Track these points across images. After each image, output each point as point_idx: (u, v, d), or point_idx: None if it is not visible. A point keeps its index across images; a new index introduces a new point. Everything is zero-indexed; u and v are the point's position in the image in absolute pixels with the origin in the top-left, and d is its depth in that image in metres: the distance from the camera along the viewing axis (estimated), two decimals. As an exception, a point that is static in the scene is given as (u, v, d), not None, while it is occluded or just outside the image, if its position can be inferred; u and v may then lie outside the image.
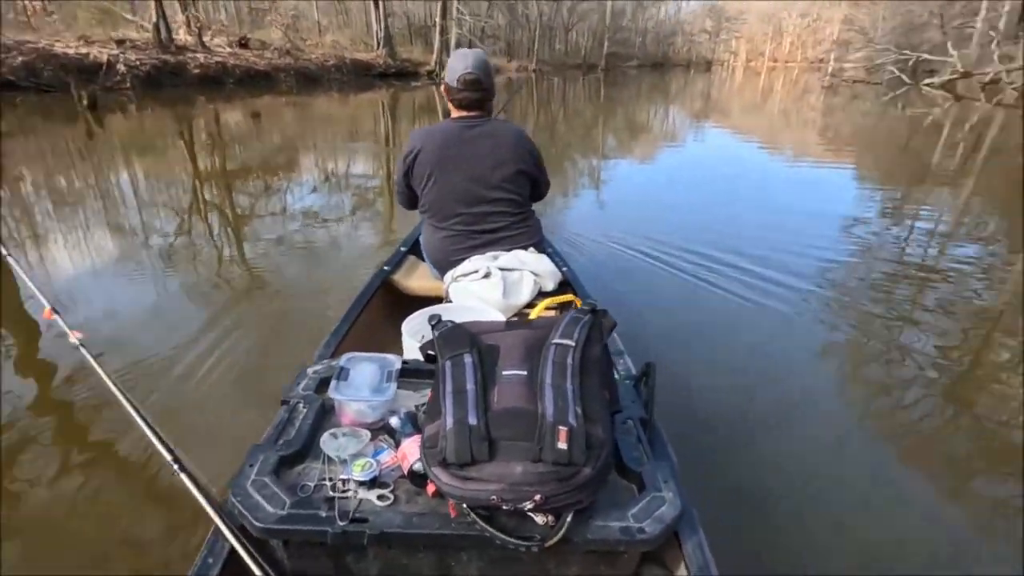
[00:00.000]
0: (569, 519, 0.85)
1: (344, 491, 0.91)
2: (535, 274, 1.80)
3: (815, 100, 18.71)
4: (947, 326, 2.74)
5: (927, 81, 20.44)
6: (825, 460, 1.82)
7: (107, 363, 1.26)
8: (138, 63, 13.61)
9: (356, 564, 0.92)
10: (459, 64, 1.77)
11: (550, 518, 0.86)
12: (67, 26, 15.42)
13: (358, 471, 0.92)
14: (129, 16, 17.33)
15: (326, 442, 0.99)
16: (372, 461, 0.94)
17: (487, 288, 1.71)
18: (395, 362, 1.15)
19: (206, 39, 17.25)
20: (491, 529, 0.84)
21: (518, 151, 1.86)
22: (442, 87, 1.87)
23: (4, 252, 1.54)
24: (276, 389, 1.17)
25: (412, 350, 1.36)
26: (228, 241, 3.77)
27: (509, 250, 1.86)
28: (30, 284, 1.38)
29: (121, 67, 12.93)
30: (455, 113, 1.86)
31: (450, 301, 1.78)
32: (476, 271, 1.76)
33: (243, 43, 18.26)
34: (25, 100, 10.50)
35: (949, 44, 21.16)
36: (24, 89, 11.18)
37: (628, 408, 1.15)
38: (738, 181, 6.09)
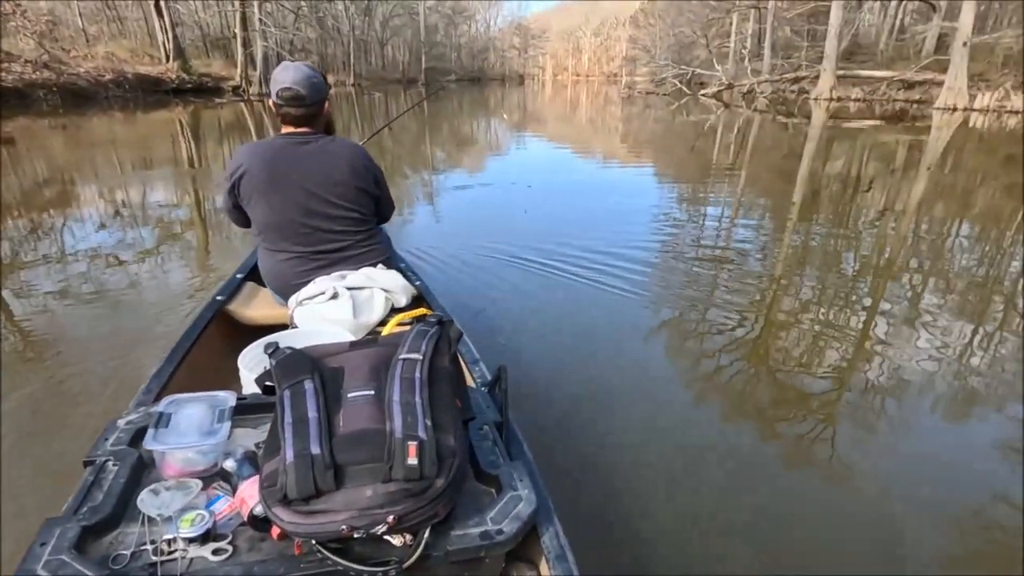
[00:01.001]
0: (427, 535, 0.82)
1: (170, 552, 0.81)
2: (386, 290, 1.75)
3: (616, 109, 20.96)
4: (743, 292, 3.21)
5: (703, 92, 24.29)
6: (662, 428, 2.00)
7: None
8: None
9: None
10: (280, 77, 1.68)
11: (408, 537, 0.83)
12: None
13: (187, 527, 0.83)
14: None
15: (145, 500, 0.87)
16: (204, 513, 0.86)
17: (336, 309, 1.63)
18: (228, 399, 1.06)
19: (-80, 49, 13.76)
20: (343, 561, 0.79)
21: (355, 168, 1.79)
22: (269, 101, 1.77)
23: None
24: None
25: (251, 384, 1.26)
26: None
27: (357, 268, 1.80)
28: None
29: None
30: (284, 129, 1.76)
31: (296, 327, 1.66)
32: (323, 292, 1.68)
33: (-23, 54, 14.91)
34: None
35: (714, 60, 25.39)
36: None
37: (484, 414, 1.14)
38: (560, 185, 6.61)
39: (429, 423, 0.84)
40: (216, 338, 1.76)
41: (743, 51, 24.83)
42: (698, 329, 2.81)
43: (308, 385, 0.88)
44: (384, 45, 44.18)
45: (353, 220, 1.81)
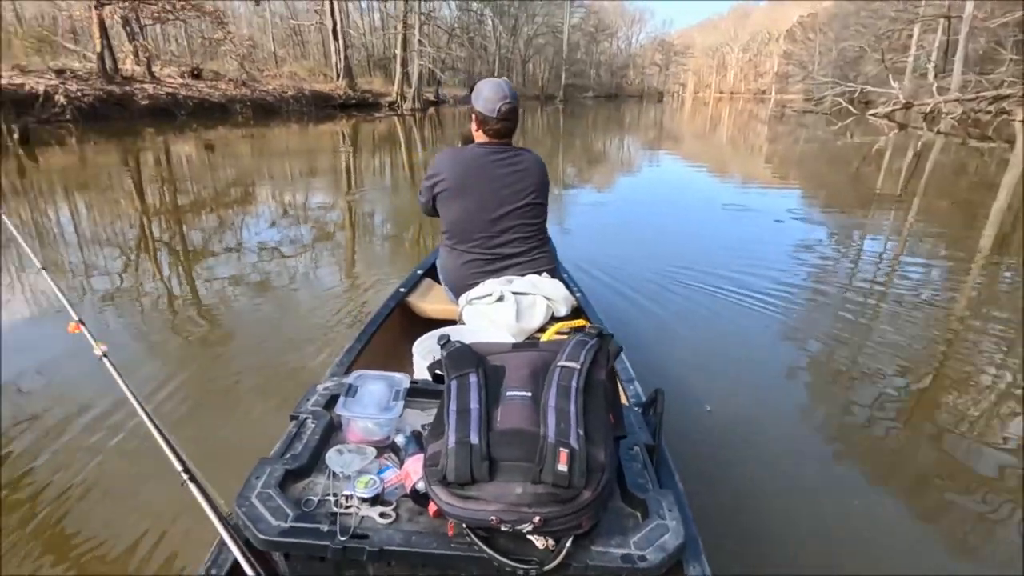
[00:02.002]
0: (569, 543, 0.84)
1: (347, 507, 0.93)
2: (548, 298, 1.81)
3: (764, 129, 19.50)
4: (908, 338, 2.80)
5: (872, 111, 21.69)
6: (824, 485, 1.81)
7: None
8: (80, 94, 13.06)
9: None
10: (496, 94, 1.81)
11: (550, 542, 0.85)
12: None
13: (361, 488, 0.94)
14: (71, 46, 16.76)
15: (331, 458, 1.01)
16: (376, 478, 0.96)
17: (500, 311, 1.73)
18: (403, 381, 1.16)
19: (156, 69, 16.80)
20: (489, 550, 0.83)
21: (541, 181, 1.93)
22: (469, 115, 1.90)
23: (39, 265, 1.64)
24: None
25: (422, 370, 1.39)
26: (180, 281, 3.46)
27: (524, 275, 1.89)
28: (61, 296, 1.45)
29: (60, 98, 12.38)
30: (481, 139, 1.91)
31: (463, 323, 1.81)
32: (490, 294, 1.79)
33: (196, 74, 17.86)
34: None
35: (890, 77, 22.63)
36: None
37: (635, 434, 1.13)
38: (694, 205, 6.29)
39: (581, 433, 0.85)
40: (395, 324, 1.97)
41: (927, 66, 21.72)
42: (849, 372, 2.52)
43: (473, 378, 0.93)
44: (526, 63, 45.72)
45: (530, 228, 1.93)
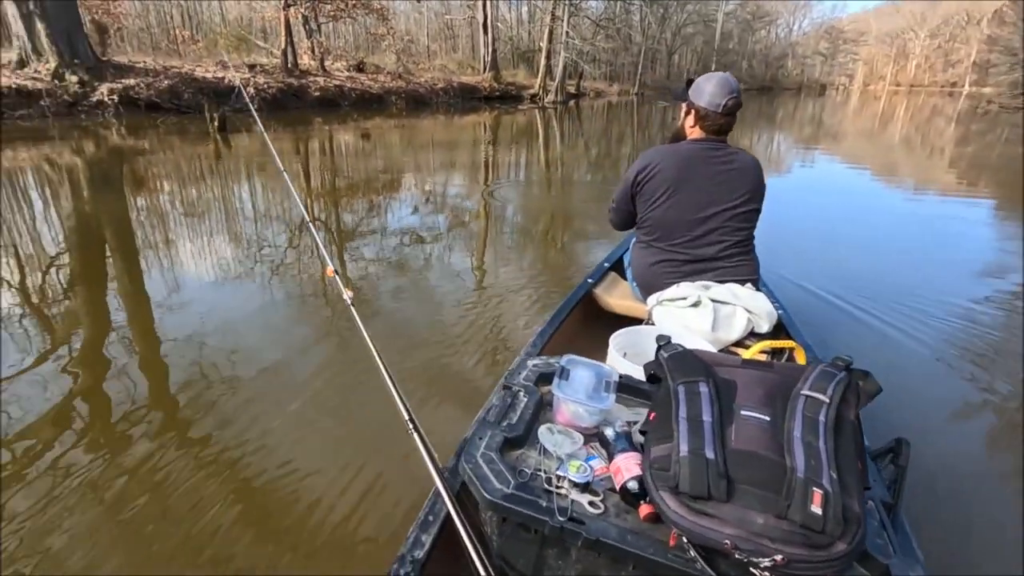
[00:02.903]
0: None
1: (559, 487, 0.92)
2: (749, 311, 1.68)
3: (952, 128, 16.59)
4: None
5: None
6: None
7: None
8: (265, 86, 14.64)
9: (557, 560, 0.92)
10: (721, 89, 1.73)
11: None
12: (208, 52, 17.02)
13: (574, 471, 0.93)
14: (261, 43, 18.90)
15: (543, 435, 1.02)
16: (586, 465, 0.96)
17: (695, 317, 1.63)
18: (613, 373, 1.14)
19: (327, 64, 18.39)
20: (712, 572, 0.78)
21: (756, 183, 1.82)
22: (688, 109, 1.82)
23: (307, 219, 2.00)
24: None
25: (617, 364, 1.38)
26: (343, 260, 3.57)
27: (723, 282, 1.78)
28: (321, 248, 1.68)
29: (251, 90, 13.95)
30: (696, 135, 1.82)
31: (652, 323, 1.74)
32: (685, 298, 1.70)
33: (359, 67, 19.31)
34: (166, 120, 11.48)
35: None
36: (167, 110, 12.27)
37: (872, 488, 1.02)
38: (873, 215, 5.44)
39: (835, 476, 0.77)
40: (581, 314, 1.99)
41: None
42: None
43: (703, 388, 0.89)
44: (672, 54, 43.56)
45: (736, 231, 1.81)
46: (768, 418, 0.84)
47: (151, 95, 12.19)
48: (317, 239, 1.74)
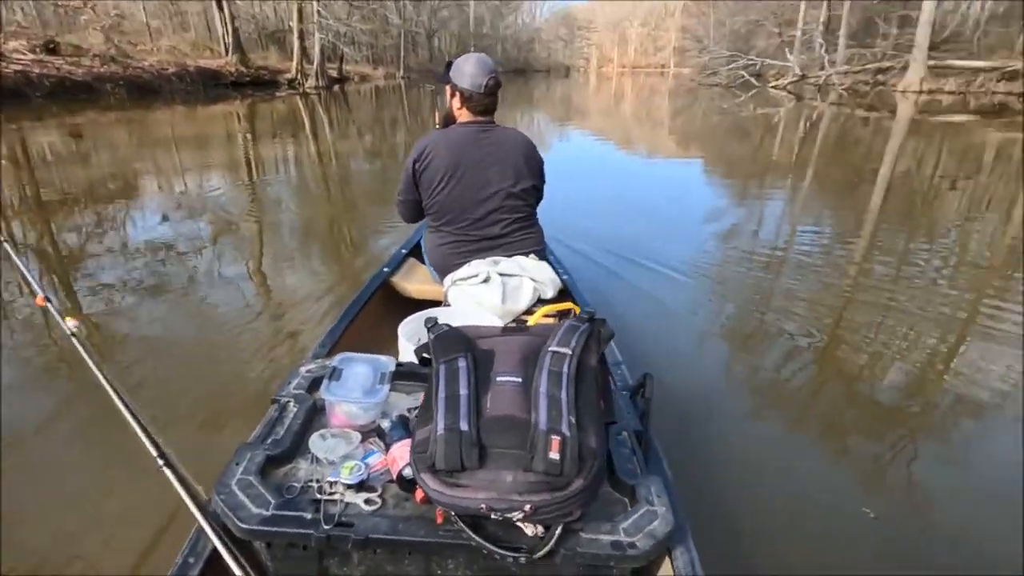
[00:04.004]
0: (558, 531, 0.84)
1: (331, 493, 0.90)
2: (535, 280, 1.78)
3: (671, 102, 20.08)
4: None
5: (773, 84, 22.86)
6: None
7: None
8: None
9: (340, 568, 0.90)
10: (479, 70, 1.76)
11: (539, 529, 0.85)
12: None
13: (346, 474, 0.91)
14: None
15: (315, 443, 0.98)
16: (361, 464, 0.94)
17: (486, 292, 1.69)
18: (389, 364, 1.13)
19: (-1, 43, 14.23)
20: (478, 538, 0.82)
21: (529, 157, 1.87)
22: (453, 92, 1.82)
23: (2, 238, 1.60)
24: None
25: (408, 352, 1.36)
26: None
27: (511, 256, 1.86)
28: (24, 271, 1.40)
29: None
30: (466, 117, 1.84)
31: (449, 304, 1.77)
32: (476, 275, 1.75)
33: (51, 48, 15.33)
34: None
35: (787, 50, 23.89)
36: None
37: (624, 420, 1.13)
38: (616, 180, 6.39)
39: (573, 420, 0.83)
40: (378, 305, 1.92)
41: (818, 40, 23.26)
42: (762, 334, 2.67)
43: (462, 363, 0.91)
44: (432, 37, 44.08)
45: (517, 208, 1.87)
46: (520, 379, 0.89)
47: None
48: (19, 264, 1.44)
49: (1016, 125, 11.12)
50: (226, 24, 20.36)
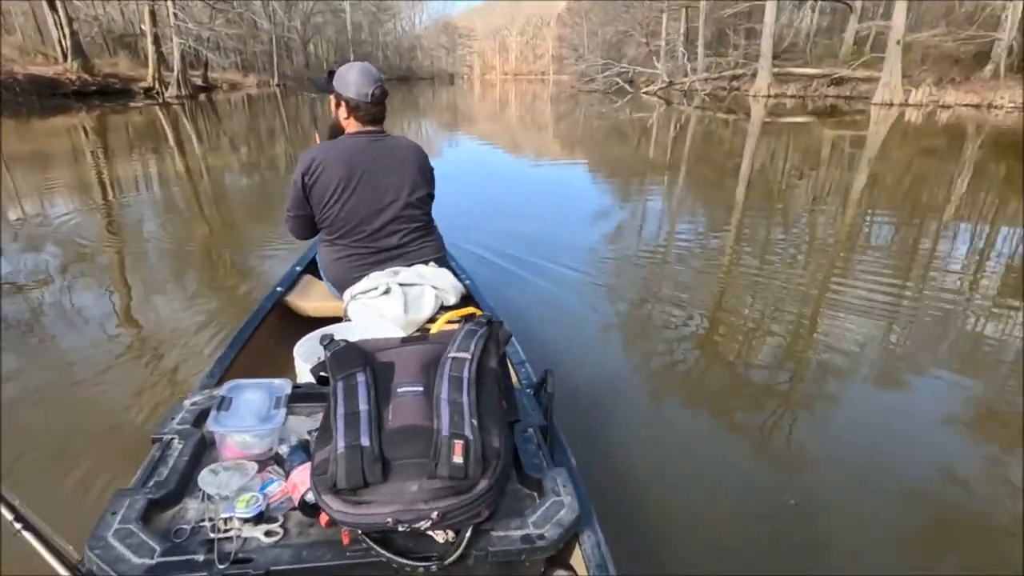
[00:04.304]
0: (468, 534, 0.84)
1: (226, 530, 0.86)
2: (436, 288, 1.77)
3: (554, 108, 20.89)
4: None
5: (645, 90, 24.53)
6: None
7: None
8: None
9: None
10: (365, 79, 1.74)
11: (450, 535, 0.85)
12: None
13: (242, 507, 0.87)
14: None
15: (205, 479, 0.93)
16: (258, 495, 0.90)
17: (387, 304, 1.68)
18: (284, 387, 1.10)
19: None
20: (387, 553, 0.82)
21: (422, 166, 1.87)
22: (338, 101, 1.79)
23: None
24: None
25: (305, 374, 1.33)
26: None
27: (411, 265, 1.85)
28: None
29: None
30: (354, 128, 1.81)
31: (349, 319, 1.74)
32: (376, 287, 1.73)
33: None
34: None
35: (655, 58, 25.73)
36: None
37: (529, 417, 1.15)
38: (508, 184, 6.59)
39: (475, 423, 0.84)
40: (274, 327, 1.83)
41: (680, 50, 25.42)
42: (654, 323, 2.86)
43: (360, 378, 0.90)
44: (307, 43, 42.17)
45: (414, 218, 1.87)
46: (422, 388, 0.89)
47: None
48: None
49: (845, 124, 12.88)
50: (62, 27, 18.01)
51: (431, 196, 1.94)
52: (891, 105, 15.85)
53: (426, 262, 1.88)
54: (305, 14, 39.47)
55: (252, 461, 0.98)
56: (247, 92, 25.78)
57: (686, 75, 23.53)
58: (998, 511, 1.61)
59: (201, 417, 1.08)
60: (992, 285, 3.38)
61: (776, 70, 20.00)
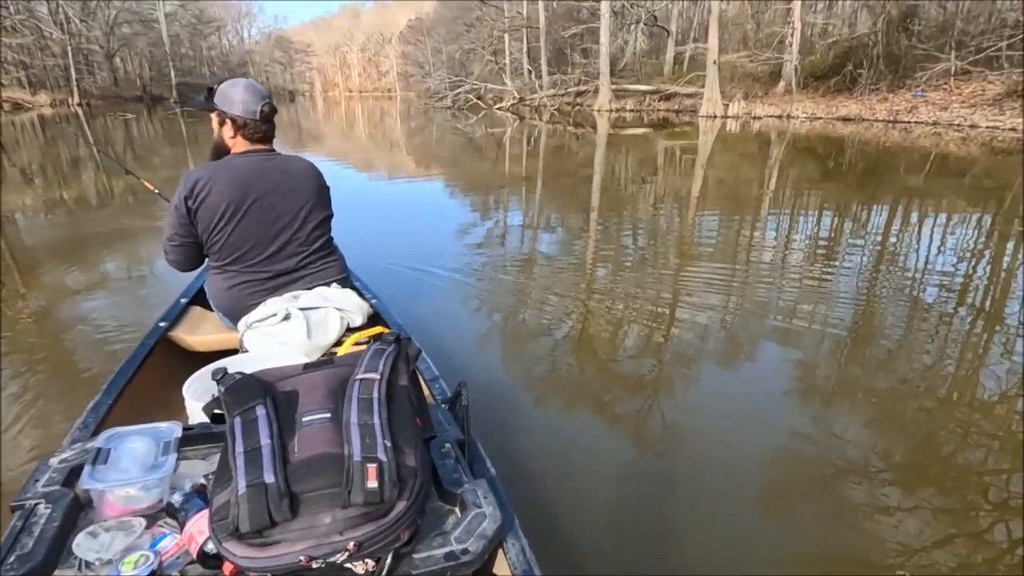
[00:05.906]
0: (389, 560, 0.80)
1: None
2: (341, 310, 1.71)
3: (406, 126, 20.60)
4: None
5: (498, 106, 25.18)
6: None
7: None
8: None
9: None
10: (251, 96, 1.69)
11: (370, 563, 0.80)
12: None
13: (129, 569, 0.80)
14: None
15: (81, 544, 0.85)
16: (148, 553, 0.83)
17: (288, 331, 1.59)
18: (173, 430, 1.01)
19: None
20: None
21: (319, 185, 1.82)
22: (221, 122, 1.72)
23: None
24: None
25: (199, 414, 1.17)
26: None
27: (312, 288, 1.78)
28: None
29: None
30: (243, 147, 1.73)
31: (246, 351, 1.63)
32: (275, 314, 1.63)
33: None
34: None
35: (504, 75, 26.50)
36: None
37: (446, 431, 1.13)
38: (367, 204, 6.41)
39: (388, 444, 0.82)
40: (160, 366, 1.69)
41: (526, 67, 26.53)
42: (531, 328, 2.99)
43: (260, 411, 0.84)
44: (112, 56, 36.90)
45: (315, 239, 1.81)
46: (329, 415, 0.85)
47: None
48: None
49: (677, 135, 14.30)
50: None
51: (330, 216, 1.88)
52: (714, 117, 18.03)
53: (328, 283, 1.81)
54: (107, 23, 34.56)
55: (140, 516, 0.90)
56: (39, 113, 21.82)
57: (534, 92, 24.66)
58: (832, 454, 1.89)
59: (73, 475, 0.97)
60: (800, 260, 4.02)
61: (615, 87, 21.74)
